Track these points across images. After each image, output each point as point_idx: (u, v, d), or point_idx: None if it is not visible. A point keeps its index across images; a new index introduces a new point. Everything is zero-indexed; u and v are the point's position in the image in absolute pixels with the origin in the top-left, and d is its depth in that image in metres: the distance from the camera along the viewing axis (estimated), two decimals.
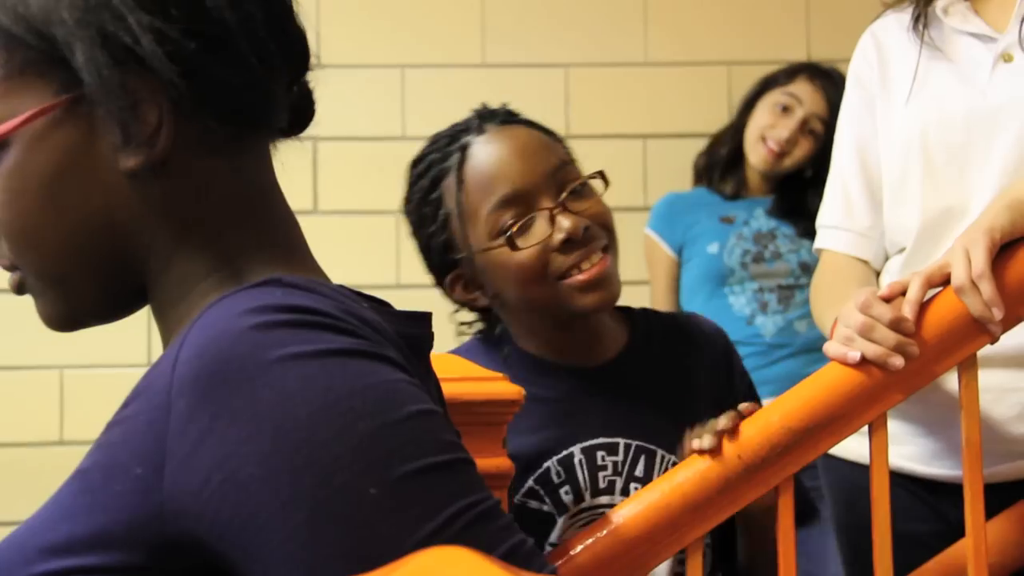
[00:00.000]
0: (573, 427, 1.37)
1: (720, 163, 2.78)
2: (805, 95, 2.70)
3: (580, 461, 1.36)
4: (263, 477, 0.64)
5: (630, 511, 1.23)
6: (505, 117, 1.41)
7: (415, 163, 1.43)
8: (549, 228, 1.33)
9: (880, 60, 1.59)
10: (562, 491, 1.35)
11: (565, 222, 1.32)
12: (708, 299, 2.68)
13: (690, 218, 2.75)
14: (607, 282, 1.35)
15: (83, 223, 0.79)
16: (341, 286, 0.84)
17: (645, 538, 1.22)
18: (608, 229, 1.38)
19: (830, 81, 2.70)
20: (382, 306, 0.85)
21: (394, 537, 0.64)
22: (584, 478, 1.35)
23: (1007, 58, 1.48)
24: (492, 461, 1.13)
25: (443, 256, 1.41)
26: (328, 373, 0.67)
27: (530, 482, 1.35)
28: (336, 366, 0.67)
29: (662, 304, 2.76)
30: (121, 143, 0.77)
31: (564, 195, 1.35)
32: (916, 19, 1.54)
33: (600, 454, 1.36)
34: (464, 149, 1.37)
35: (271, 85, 0.81)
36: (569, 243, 1.33)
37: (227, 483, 0.65)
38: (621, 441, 1.37)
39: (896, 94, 1.56)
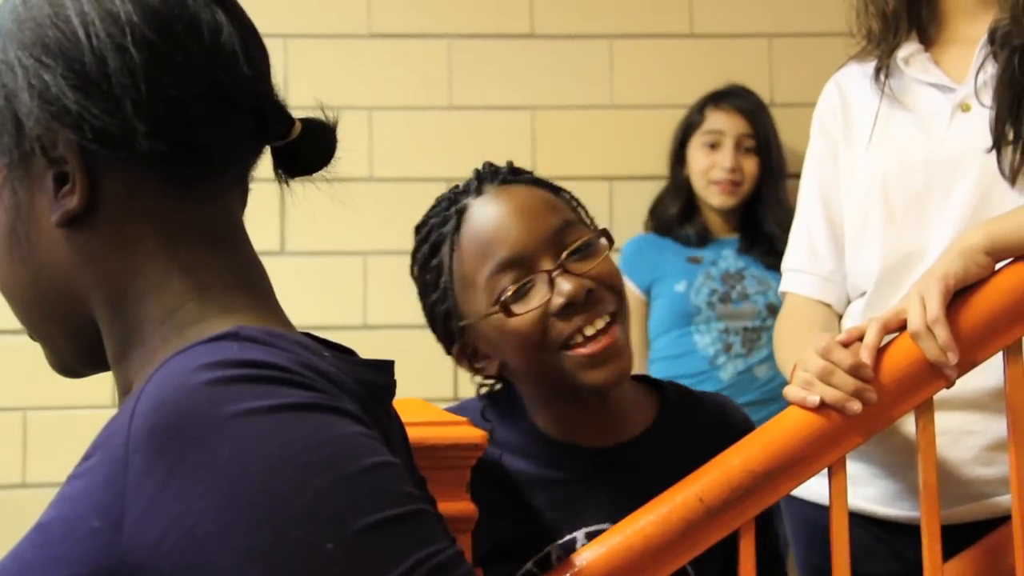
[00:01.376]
0: (579, 510, 1.30)
1: (674, 220, 2.82)
2: (722, 123, 2.78)
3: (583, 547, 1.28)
4: (219, 533, 0.65)
5: (592, 554, 1.23)
6: (506, 176, 1.33)
7: (418, 228, 1.37)
8: (549, 292, 1.26)
9: (843, 108, 1.63)
10: None
11: (565, 285, 1.25)
12: (675, 338, 2.70)
13: (658, 257, 2.78)
14: (616, 356, 1.27)
15: (36, 279, 0.83)
16: (304, 334, 0.85)
17: None
18: (617, 292, 1.29)
19: (734, 97, 2.80)
20: (345, 354, 0.86)
21: None
22: None
23: (965, 108, 1.52)
24: (456, 505, 1.13)
25: (446, 325, 1.34)
26: (283, 428, 0.67)
27: (530, 565, 1.29)
28: (291, 421, 0.68)
29: (632, 344, 2.78)
30: (52, 199, 0.80)
31: (564, 256, 1.27)
32: (878, 70, 1.58)
33: None
34: (461, 213, 1.31)
35: (212, 139, 0.81)
36: (570, 307, 1.25)
37: (184, 539, 0.65)
38: None
39: (858, 141, 1.60)
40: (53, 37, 0.78)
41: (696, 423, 1.39)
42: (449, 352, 1.38)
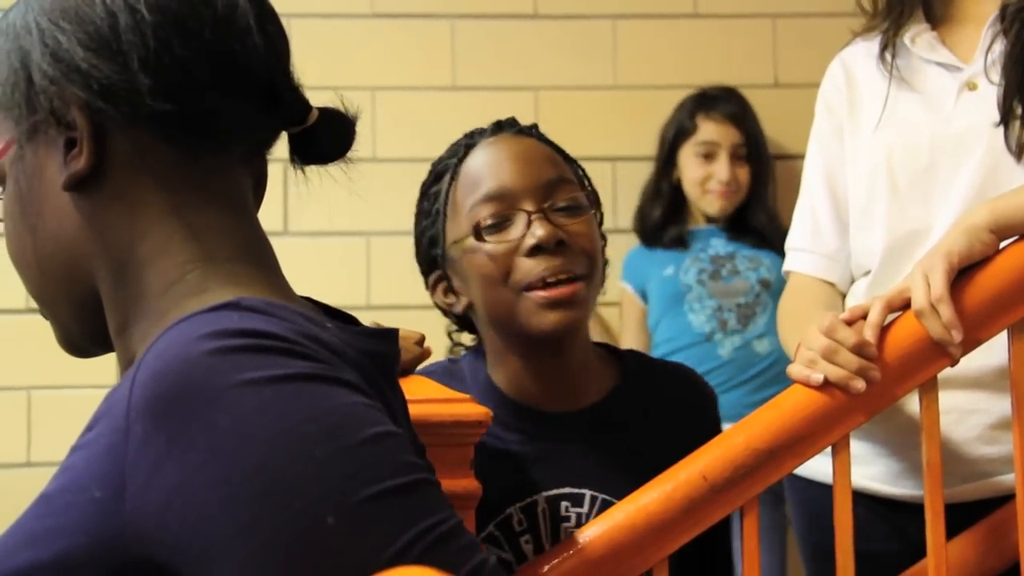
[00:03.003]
0: (539, 474, 1.32)
1: (659, 222, 2.81)
2: (716, 135, 2.77)
3: (543, 510, 1.31)
4: (220, 503, 0.65)
5: (595, 531, 1.23)
6: (522, 128, 1.38)
7: (434, 164, 1.42)
8: (524, 231, 1.29)
9: (849, 87, 1.62)
10: (522, 540, 1.30)
11: (539, 229, 1.27)
12: (670, 320, 2.71)
13: (646, 262, 2.81)
14: (570, 306, 1.28)
15: (43, 247, 0.84)
16: (307, 301, 0.86)
17: (610, 558, 1.23)
18: (589, 257, 1.31)
19: (724, 103, 2.79)
20: (349, 323, 0.86)
21: (354, 563, 0.64)
22: (546, 528, 1.30)
23: (971, 86, 1.52)
24: (460, 482, 1.13)
25: (428, 251, 1.38)
26: (284, 399, 0.67)
27: (491, 527, 1.30)
28: (292, 391, 0.68)
29: (630, 346, 2.78)
30: (62, 164, 0.81)
31: (547, 204, 1.30)
32: (884, 48, 1.58)
33: (564, 504, 1.31)
34: (469, 148, 1.36)
35: (219, 107, 0.81)
36: (538, 250, 1.27)
37: (185, 509, 0.65)
38: (588, 493, 1.31)
39: (864, 120, 1.59)
40: (73, 2, 0.80)
41: (656, 391, 1.40)
42: (427, 281, 1.41)
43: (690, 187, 2.80)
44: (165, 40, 0.79)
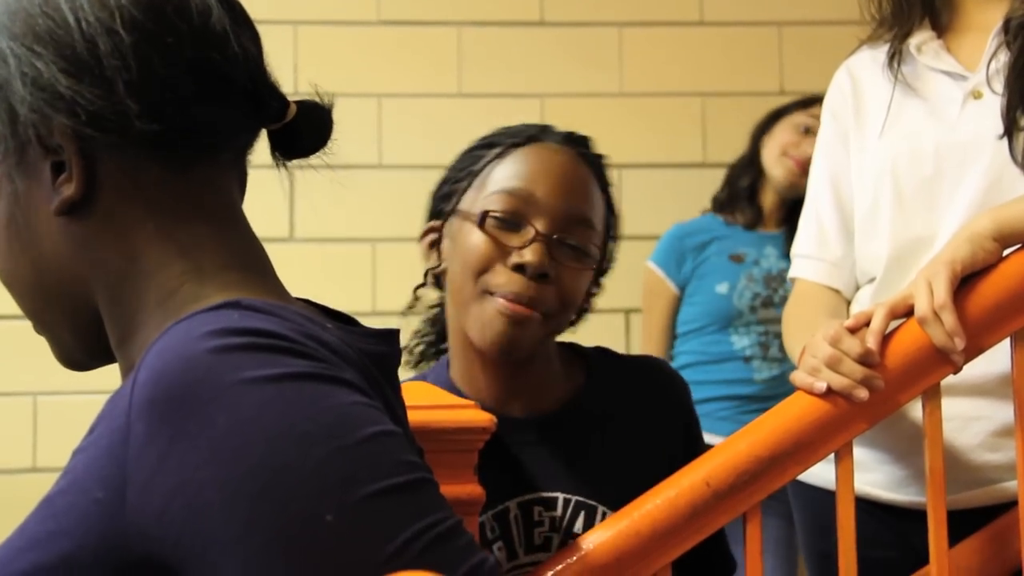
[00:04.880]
0: (508, 480, 1.29)
1: (742, 194, 2.76)
2: (816, 121, 2.71)
3: (516, 516, 1.29)
4: (220, 503, 0.65)
5: (598, 537, 1.23)
6: (591, 154, 1.36)
7: (497, 132, 1.39)
8: (519, 243, 1.27)
9: (855, 94, 1.63)
10: (495, 547, 1.28)
11: (532, 254, 1.26)
12: (713, 338, 2.67)
13: (700, 256, 2.73)
14: (521, 327, 1.26)
15: (36, 268, 0.83)
16: (306, 303, 0.86)
17: (613, 565, 1.23)
18: (564, 303, 1.29)
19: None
20: (350, 324, 0.86)
21: (353, 561, 0.65)
22: (519, 534, 1.29)
23: (976, 95, 1.52)
24: (464, 488, 1.14)
25: (440, 201, 1.37)
26: (284, 398, 0.67)
27: None
28: (292, 390, 0.68)
29: (656, 337, 2.74)
30: (49, 188, 0.80)
31: (556, 236, 1.28)
32: (891, 57, 1.58)
33: (537, 509, 1.29)
34: (531, 139, 1.34)
35: (204, 119, 0.81)
36: (520, 270, 1.26)
37: (185, 509, 0.65)
38: (561, 496, 1.30)
39: (869, 128, 1.59)
40: (43, 25, 0.79)
41: (624, 387, 1.38)
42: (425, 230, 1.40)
43: (770, 149, 2.72)
44: (147, 60, 0.78)
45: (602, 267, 1.39)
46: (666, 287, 2.74)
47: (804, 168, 2.64)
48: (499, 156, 1.33)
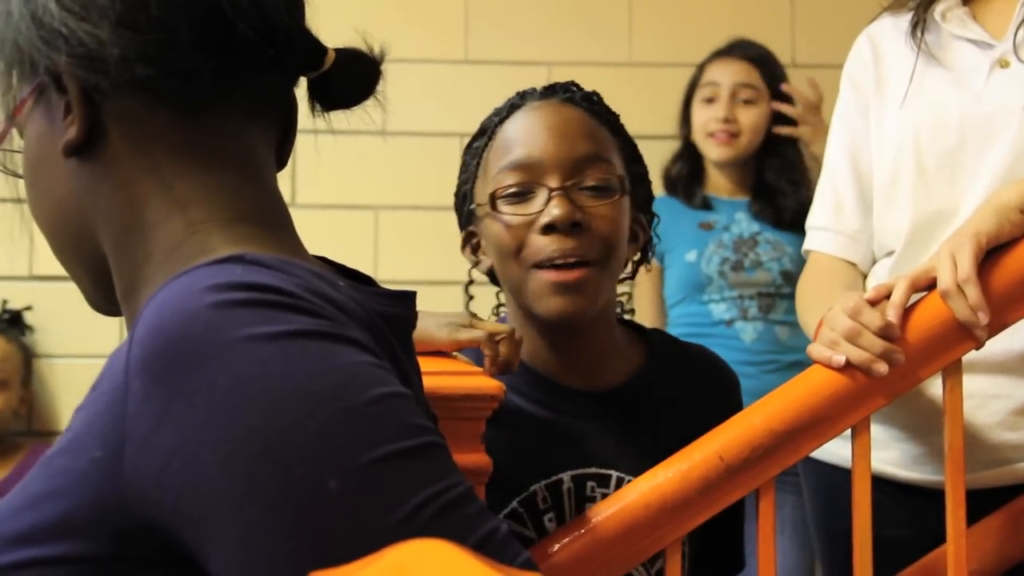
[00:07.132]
0: (566, 452, 1.27)
1: (683, 179, 2.74)
2: (719, 75, 2.68)
3: (569, 489, 1.26)
4: (220, 465, 0.61)
5: (609, 510, 1.21)
6: (573, 96, 1.32)
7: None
8: (542, 207, 1.24)
9: (876, 63, 1.58)
10: (546, 518, 1.26)
11: (556, 208, 1.23)
12: (690, 307, 2.64)
13: (670, 223, 2.70)
14: (578, 292, 1.24)
15: (55, 210, 0.82)
16: (319, 259, 0.84)
17: (623, 538, 1.20)
18: (608, 243, 1.25)
19: (735, 49, 2.70)
20: (365, 283, 0.83)
21: (358, 528, 0.61)
22: (571, 507, 1.26)
23: (1003, 64, 1.48)
24: (470, 457, 1.11)
25: (462, 206, 1.36)
26: (287, 356, 0.64)
27: (514, 504, 1.25)
28: (295, 349, 0.64)
29: (648, 311, 2.72)
30: (62, 129, 0.79)
31: (571, 183, 1.25)
32: (915, 25, 1.53)
33: (590, 484, 1.27)
34: (513, 108, 1.32)
35: (205, 66, 0.77)
36: (552, 229, 1.23)
37: (185, 470, 0.62)
38: (614, 474, 1.28)
39: (891, 97, 1.55)
40: None
41: (683, 374, 1.36)
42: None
43: (697, 134, 2.70)
44: (140, 1, 0.75)
45: (638, 193, 1.35)
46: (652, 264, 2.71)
47: (729, 134, 2.64)
48: (490, 138, 1.33)
